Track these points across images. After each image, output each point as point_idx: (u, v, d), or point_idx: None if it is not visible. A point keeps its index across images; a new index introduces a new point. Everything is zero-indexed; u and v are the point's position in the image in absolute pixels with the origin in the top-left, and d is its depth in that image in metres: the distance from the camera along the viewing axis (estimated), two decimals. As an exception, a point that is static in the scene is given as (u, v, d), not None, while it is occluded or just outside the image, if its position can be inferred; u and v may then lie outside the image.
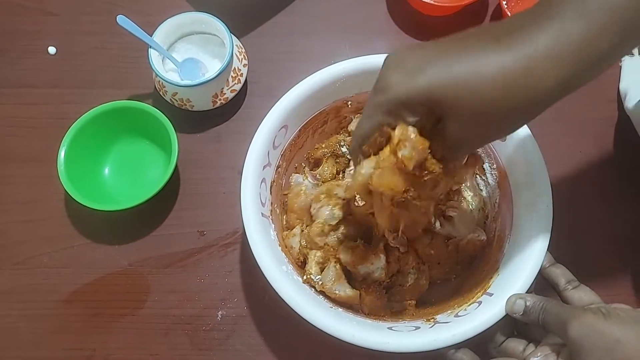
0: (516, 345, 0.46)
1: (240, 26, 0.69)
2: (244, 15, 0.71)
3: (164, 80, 0.60)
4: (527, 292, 0.46)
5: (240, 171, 0.51)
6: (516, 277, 0.47)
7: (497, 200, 0.57)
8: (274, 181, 0.55)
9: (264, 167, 0.52)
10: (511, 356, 0.45)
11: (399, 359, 0.46)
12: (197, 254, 0.60)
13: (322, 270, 0.52)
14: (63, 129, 0.59)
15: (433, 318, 0.49)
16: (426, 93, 0.35)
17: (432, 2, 0.67)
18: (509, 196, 0.54)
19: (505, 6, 0.66)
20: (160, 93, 0.64)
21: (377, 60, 0.54)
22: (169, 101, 0.64)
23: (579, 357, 0.38)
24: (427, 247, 0.54)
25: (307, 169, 0.60)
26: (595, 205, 0.62)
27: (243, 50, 0.66)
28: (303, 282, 0.51)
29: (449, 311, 0.50)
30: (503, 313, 0.45)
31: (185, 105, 0.63)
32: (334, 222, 0.53)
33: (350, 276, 0.52)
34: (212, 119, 0.66)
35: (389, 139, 0.38)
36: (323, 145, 0.59)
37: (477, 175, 0.59)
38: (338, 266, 0.51)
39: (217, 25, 0.63)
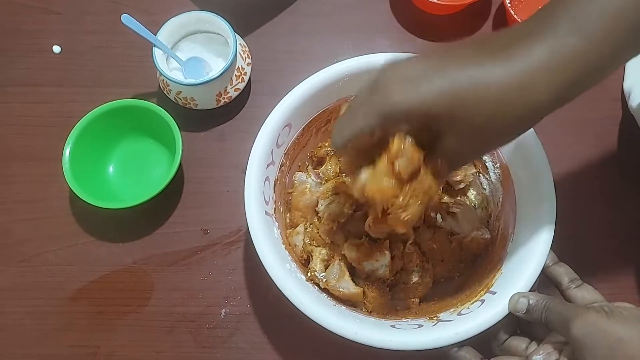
0: (519, 343, 0.46)
1: (244, 25, 0.69)
2: (248, 14, 0.71)
3: (168, 79, 0.61)
4: (530, 290, 0.46)
5: (244, 170, 0.51)
6: (519, 275, 0.47)
7: (500, 199, 0.57)
8: (277, 179, 0.55)
9: (268, 165, 0.53)
10: (514, 354, 0.46)
11: (401, 357, 0.46)
12: (200, 252, 0.61)
13: (326, 267, 0.52)
14: (68, 128, 0.59)
15: (436, 316, 0.49)
16: (427, 106, 0.35)
17: (435, 0, 0.67)
18: (512, 195, 0.54)
19: (509, 5, 0.66)
20: (165, 92, 0.64)
21: (380, 59, 0.54)
22: (173, 100, 0.64)
23: (581, 355, 0.38)
24: (430, 241, 0.54)
25: (310, 167, 0.60)
26: (598, 204, 0.62)
27: (247, 49, 0.66)
28: (306, 280, 0.51)
29: (452, 309, 0.50)
30: (506, 311, 0.45)
31: (189, 104, 0.63)
32: (343, 219, 0.53)
33: (354, 274, 0.53)
34: (216, 118, 0.66)
35: (381, 145, 0.39)
36: (326, 144, 0.60)
37: (480, 174, 0.59)
38: (343, 263, 0.51)
39: (221, 24, 0.63)
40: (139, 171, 0.63)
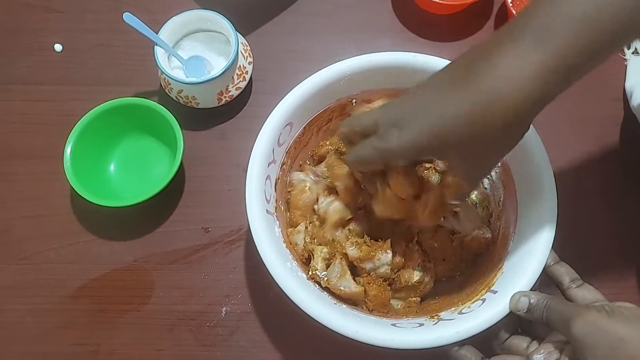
0: (520, 342, 0.46)
1: (245, 24, 0.69)
2: (250, 13, 0.71)
3: (169, 77, 0.61)
4: (531, 289, 0.46)
5: (245, 168, 0.51)
6: (520, 274, 0.47)
7: (501, 198, 0.57)
8: (278, 178, 0.55)
9: (269, 164, 0.53)
10: (515, 353, 0.46)
11: (402, 355, 0.46)
12: (201, 250, 0.61)
13: (327, 266, 0.52)
14: (69, 126, 0.59)
15: (437, 315, 0.49)
16: (414, 147, 0.40)
17: (437, 0, 0.67)
18: (513, 194, 0.54)
19: (511, 4, 0.66)
20: (166, 90, 0.64)
21: (381, 58, 0.54)
22: (175, 98, 0.64)
23: (582, 354, 0.38)
24: (431, 240, 0.54)
25: (310, 165, 0.60)
26: (600, 204, 0.62)
27: (248, 48, 0.66)
28: (307, 279, 0.51)
29: (453, 308, 0.50)
30: (507, 310, 0.45)
31: (191, 102, 0.63)
32: (349, 216, 0.53)
33: (355, 273, 0.53)
34: (217, 117, 0.66)
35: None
36: (327, 143, 0.60)
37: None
38: (344, 262, 0.51)
39: (222, 23, 0.63)
40: (140, 169, 0.63)
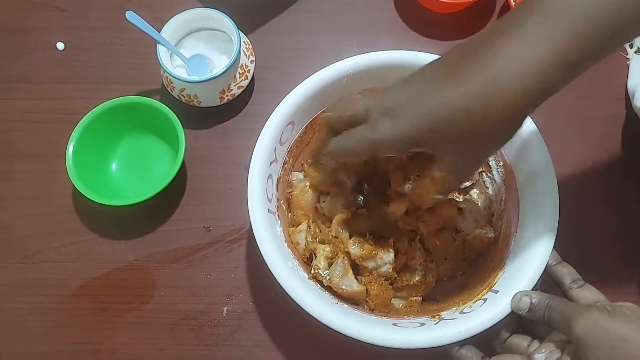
0: (520, 341, 0.46)
1: (247, 23, 0.69)
2: (252, 11, 0.71)
3: (171, 76, 0.61)
4: (532, 289, 0.46)
5: (247, 167, 0.51)
6: (522, 274, 0.47)
7: (503, 198, 0.57)
8: (280, 177, 0.55)
9: (271, 163, 0.53)
10: (515, 352, 0.45)
11: (404, 355, 0.46)
12: (203, 249, 0.61)
13: (330, 265, 0.52)
14: (71, 125, 0.59)
15: (438, 315, 0.49)
16: (406, 138, 0.39)
17: (439, -1, 0.67)
18: (515, 193, 0.54)
19: (513, 2, 0.66)
20: (168, 89, 0.64)
21: (383, 57, 0.54)
22: (177, 97, 0.64)
23: (583, 354, 0.38)
24: (434, 238, 0.54)
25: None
26: (601, 204, 0.62)
27: (250, 46, 0.66)
28: (309, 278, 0.51)
29: (454, 308, 0.50)
30: (508, 310, 0.45)
31: (193, 101, 0.63)
32: (354, 209, 0.53)
33: (357, 272, 0.53)
34: (219, 115, 0.66)
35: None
36: None
37: (484, 173, 0.59)
38: (346, 261, 0.51)
39: (224, 22, 0.63)
40: (142, 168, 0.63)
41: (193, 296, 0.59)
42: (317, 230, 0.54)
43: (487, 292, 0.49)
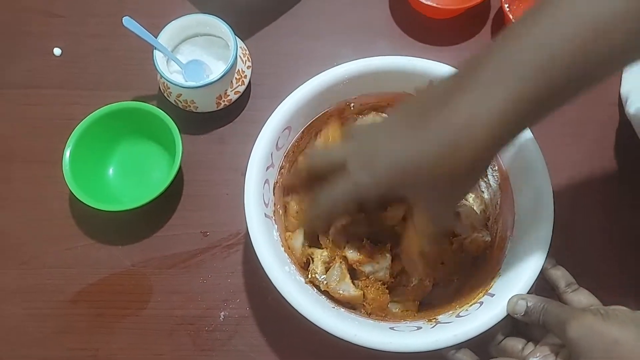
0: (515, 344, 0.46)
1: (244, 28, 0.69)
2: (248, 17, 0.72)
3: (168, 81, 0.61)
4: (528, 292, 0.46)
5: (243, 173, 0.51)
6: (518, 278, 0.47)
7: (498, 202, 0.57)
8: (277, 182, 0.55)
9: (267, 168, 0.53)
10: (510, 355, 0.46)
11: (401, 359, 0.46)
12: (200, 254, 0.61)
13: (327, 270, 0.52)
14: (68, 130, 0.59)
15: (435, 318, 0.49)
16: (381, 186, 0.42)
17: (434, 5, 0.68)
18: (510, 198, 0.54)
19: (507, 9, 0.67)
20: (165, 94, 0.64)
21: (379, 62, 0.55)
22: (174, 102, 0.64)
23: (577, 357, 0.38)
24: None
25: None
26: (595, 209, 0.62)
27: (247, 52, 0.66)
28: (306, 283, 0.51)
29: (451, 311, 0.50)
30: (504, 313, 0.45)
31: (190, 106, 0.64)
32: (344, 222, 0.53)
33: (354, 276, 0.53)
34: (216, 121, 0.66)
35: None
36: None
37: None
38: (344, 266, 0.51)
39: (221, 28, 0.63)
40: (138, 174, 0.64)
41: (190, 301, 0.59)
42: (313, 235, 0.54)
43: (483, 296, 0.49)
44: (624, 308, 0.41)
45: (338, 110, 0.58)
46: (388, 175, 0.41)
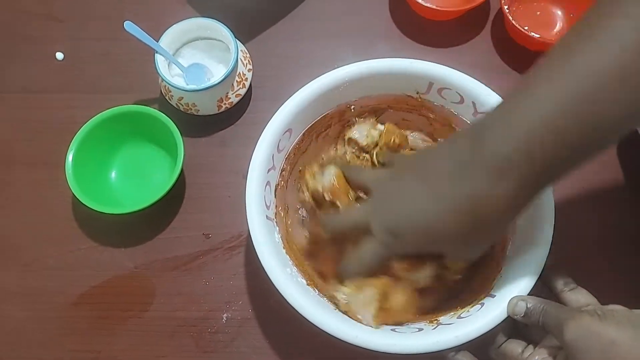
0: (515, 347, 0.46)
1: (244, 31, 0.70)
2: (249, 20, 0.72)
3: (169, 85, 0.61)
4: (528, 294, 0.46)
5: (245, 175, 0.52)
6: (519, 278, 0.47)
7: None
8: (278, 184, 0.56)
9: (269, 170, 0.53)
10: (510, 358, 0.46)
11: (400, 358, 0.46)
12: (202, 256, 0.61)
13: (356, 290, 0.50)
14: (70, 134, 0.60)
15: (436, 320, 0.49)
16: (416, 250, 0.47)
17: (434, 7, 0.68)
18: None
19: (507, 10, 0.67)
20: (166, 98, 0.65)
21: (379, 64, 0.55)
22: (175, 106, 0.64)
23: (575, 358, 0.38)
24: None
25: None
26: (595, 209, 0.62)
27: (248, 55, 0.66)
28: (307, 284, 0.51)
29: (452, 313, 0.50)
30: (505, 314, 0.45)
31: (191, 109, 0.64)
32: None
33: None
34: (217, 124, 0.67)
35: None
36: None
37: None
38: (378, 295, 0.49)
39: (222, 31, 0.63)
40: (141, 176, 0.64)
41: (192, 303, 0.59)
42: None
43: (484, 297, 0.49)
44: (621, 307, 0.42)
45: (339, 112, 0.58)
46: (415, 240, 0.45)
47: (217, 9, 0.71)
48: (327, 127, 0.59)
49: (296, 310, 0.47)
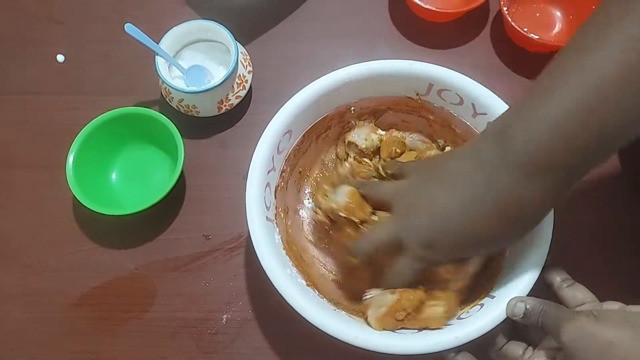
0: (515, 349, 0.46)
1: (244, 33, 0.70)
2: (249, 22, 0.72)
3: (170, 87, 0.61)
4: (527, 294, 0.46)
5: (244, 176, 0.52)
6: (518, 279, 0.47)
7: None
8: (278, 185, 0.56)
9: (269, 171, 0.53)
10: None
11: (400, 359, 0.46)
12: (202, 257, 0.61)
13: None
14: (71, 135, 0.60)
15: (436, 320, 0.50)
16: (449, 259, 0.48)
17: (433, 8, 0.68)
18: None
19: (506, 12, 0.67)
20: (167, 99, 0.65)
21: (378, 66, 0.55)
22: (175, 107, 0.65)
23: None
24: None
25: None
26: (595, 209, 0.62)
27: (248, 57, 0.67)
28: (307, 285, 0.51)
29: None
30: (505, 315, 0.46)
31: (191, 111, 0.64)
32: None
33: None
34: (218, 125, 0.67)
35: None
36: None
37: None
38: (394, 302, 0.49)
39: (222, 33, 0.64)
40: (141, 178, 0.64)
41: (192, 304, 0.59)
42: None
43: (484, 298, 0.50)
44: (618, 305, 0.42)
45: (339, 114, 0.59)
46: (451, 248, 0.45)
47: (217, 10, 0.71)
48: (327, 128, 0.60)
49: (296, 311, 0.47)
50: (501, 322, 0.46)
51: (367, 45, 0.71)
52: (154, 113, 0.61)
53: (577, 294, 0.45)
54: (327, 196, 0.53)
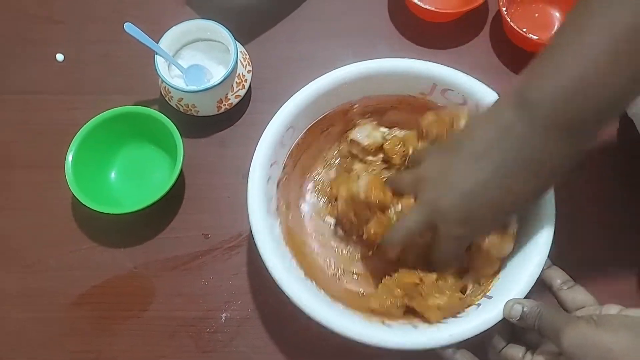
0: (515, 352, 0.45)
1: (244, 33, 0.70)
2: (248, 22, 0.72)
3: (169, 86, 0.61)
4: (525, 296, 0.46)
5: (244, 176, 0.52)
6: (516, 281, 0.48)
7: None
8: (280, 179, 0.56)
9: (271, 164, 0.53)
10: None
11: (399, 357, 0.46)
12: (201, 256, 0.61)
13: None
14: (70, 135, 0.60)
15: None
16: (485, 232, 0.49)
17: (433, 8, 0.68)
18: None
19: (505, 12, 0.67)
20: (166, 99, 0.65)
21: (378, 65, 0.56)
22: (175, 107, 0.65)
23: None
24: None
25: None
26: (595, 209, 0.62)
27: (247, 56, 0.67)
28: (305, 276, 0.51)
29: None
30: (501, 316, 0.45)
31: (191, 110, 0.64)
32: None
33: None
34: (217, 124, 0.67)
35: None
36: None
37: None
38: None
39: (221, 32, 0.64)
40: (140, 177, 0.64)
41: (192, 303, 0.59)
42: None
43: (481, 298, 0.50)
44: (616, 308, 0.42)
45: (342, 111, 0.59)
46: (486, 219, 0.46)
47: (217, 10, 0.71)
48: (329, 125, 0.60)
49: (294, 303, 0.47)
50: (497, 323, 0.46)
51: (367, 45, 0.71)
52: (153, 112, 0.61)
53: (577, 296, 0.45)
54: (349, 183, 0.53)
